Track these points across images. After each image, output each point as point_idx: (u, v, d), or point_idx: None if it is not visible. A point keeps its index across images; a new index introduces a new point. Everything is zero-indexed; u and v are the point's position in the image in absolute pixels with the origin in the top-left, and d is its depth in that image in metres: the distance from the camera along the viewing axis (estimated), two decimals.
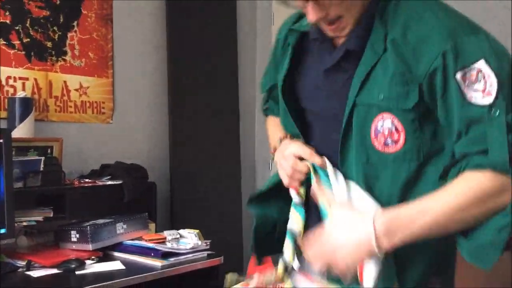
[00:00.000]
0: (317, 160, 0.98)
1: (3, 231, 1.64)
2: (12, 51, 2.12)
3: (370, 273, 0.87)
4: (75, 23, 2.34)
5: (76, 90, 2.35)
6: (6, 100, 2.07)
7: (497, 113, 0.81)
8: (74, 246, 1.79)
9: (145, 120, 2.62)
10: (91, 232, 1.78)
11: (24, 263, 1.61)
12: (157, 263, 1.76)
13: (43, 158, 1.94)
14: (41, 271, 1.58)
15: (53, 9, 2.25)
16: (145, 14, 2.64)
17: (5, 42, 2.10)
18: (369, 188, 0.92)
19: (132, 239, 1.91)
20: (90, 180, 2.14)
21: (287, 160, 1.01)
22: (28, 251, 1.78)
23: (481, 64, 0.83)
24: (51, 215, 1.91)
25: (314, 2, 0.89)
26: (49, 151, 2.03)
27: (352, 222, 0.87)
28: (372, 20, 0.92)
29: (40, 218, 1.87)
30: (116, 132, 2.50)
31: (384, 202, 0.90)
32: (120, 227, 1.89)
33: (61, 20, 2.29)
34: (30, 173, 1.88)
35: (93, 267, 1.66)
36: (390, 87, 0.88)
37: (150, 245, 1.85)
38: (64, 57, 2.30)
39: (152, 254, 1.81)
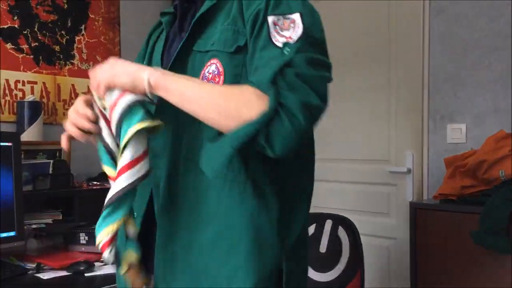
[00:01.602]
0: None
1: (13, 234, 1.65)
2: (20, 55, 2.14)
3: (125, 101, 0.87)
4: (82, 27, 2.36)
5: (84, 93, 2.36)
6: (15, 103, 2.09)
7: (287, 51, 0.84)
8: (83, 249, 1.79)
9: None
10: None
11: (34, 265, 1.62)
12: None
13: (51, 161, 1.95)
14: (50, 273, 1.59)
15: (61, 13, 2.27)
16: (152, 16, 2.64)
17: (13, 46, 2.12)
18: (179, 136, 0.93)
19: None
20: (98, 183, 2.15)
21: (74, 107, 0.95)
22: (38, 253, 1.79)
23: (296, 16, 0.87)
24: (60, 217, 1.92)
25: None
26: (57, 154, 2.04)
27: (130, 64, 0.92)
28: None
29: (49, 221, 1.89)
30: None
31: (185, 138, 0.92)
32: None
33: (69, 24, 2.31)
34: (39, 176, 1.89)
35: (102, 269, 1.66)
36: (221, 33, 0.92)
37: None
38: (72, 61, 2.32)
39: None
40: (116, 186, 0.87)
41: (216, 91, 0.84)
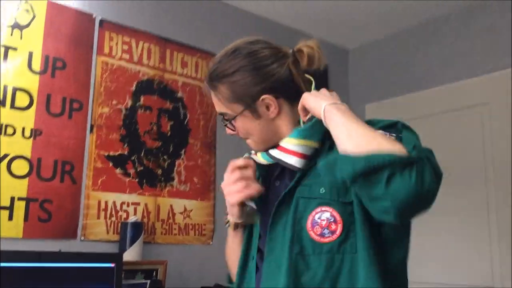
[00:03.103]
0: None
1: None
2: (127, 179, 2.34)
3: None
4: (182, 151, 2.56)
5: (181, 213, 2.49)
6: (119, 224, 2.25)
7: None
8: None
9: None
10: None
11: None
12: None
13: (148, 281, 2.03)
14: None
15: (164, 140, 2.50)
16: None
17: (122, 171, 2.33)
18: (297, 278, 0.98)
19: None
20: None
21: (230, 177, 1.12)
22: None
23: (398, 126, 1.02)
24: None
25: (213, 93, 1.14)
26: (154, 273, 2.12)
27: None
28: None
29: None
30: (216, 253, 2.57)
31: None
32: None
33: (171, 149, 2.52)
34: None
35: None
36: (332, 183, 1.00)
37: None
38: (171, 183, 2.49)
39: None
40: None
41: (373, 134, 0.93)
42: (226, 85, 1.12)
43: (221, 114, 1.17)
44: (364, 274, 0.94)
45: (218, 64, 1.13)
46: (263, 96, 1.10)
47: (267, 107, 1.11)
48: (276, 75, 1.11)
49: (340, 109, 0.98)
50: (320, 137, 1.07)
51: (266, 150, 1.15)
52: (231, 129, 1.18)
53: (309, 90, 1.11)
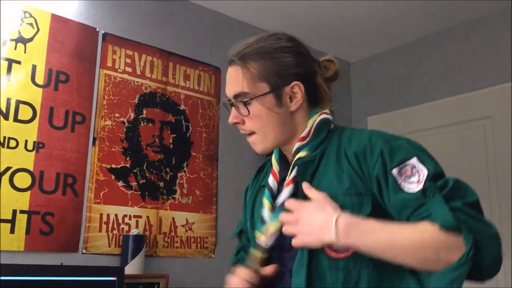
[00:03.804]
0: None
1: None
2: (129, 192, 2.34)
3: None
4: (185, 164, 2.56)
5: (183, 226, 2.49)
6: (121, 237, 2.24)
7: (432, 195, 0.91)
8: None
9: None
10: None
11: None
12: None
13: None
14: None
15: (167, 153, 2.50)
16: (247, 153, 2.82)
17: (124, 184, 2.33)
18: None
19: None
20: None
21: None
22: None
23: (414, 161, 0.96)
24: None
25: (237, 70, 1.09)
26: (156, 287, 2.11)
27: (322, 205, 0.98)
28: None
29: None
30: (218, 266, 2.56)
31: None
32: None
33: (173, 162, 2.52)
34: None
35: None
36: (345, 198, 0.99)
37: None
38: (173, 195, 2.49)
39: None
40: None
41: (409, 240, 0.90)
42: (261, 62, 1.07)
43: (237, 95, 1.08)
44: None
45: (253, 43, 1.10)
46: (296, 82, 1.08)
47: (291, 98, 1.09)
48: (310, 68, 1.11)
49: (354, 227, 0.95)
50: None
51: (269, 154, 1.14)
52: (241, 114, 1.09)
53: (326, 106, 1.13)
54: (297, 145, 1.09)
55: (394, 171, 0.95)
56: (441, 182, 0.92)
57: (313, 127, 1.09)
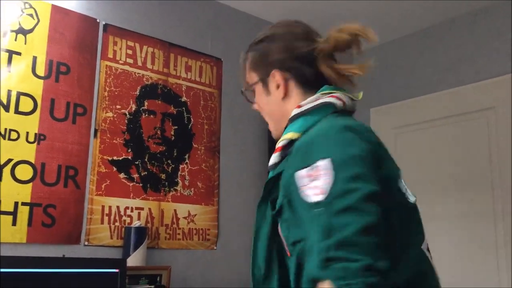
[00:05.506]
0: None
1: None
2: (131, 184, 2.33)
3: None
4: (186, 156, 2.55)
5: (185, 218, 2.48)
6: (123, 229, 2.24)
7: (319, 212, 0.77)
8: None
9: (248, 247, 2.66)
10: None
11: None
12: None
13: (152, 286, 2.02)
14: None
15: (168, 145, 2.49)
16: (249, 145, 2.81)
17: (125, 176, 2.32)
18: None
19: None
20: None
21: None
22: None
23: (320, 163, 0.81)
24: None
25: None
26: (158, 279, 2.11)
27: None
28: None
29: None
30: (220, 258, 2.56)
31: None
32: None
33: (175, 154, 2.51)
34: None
35: None
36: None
37: None
38: (175, 187, 2.48)
39: None
40: None
41: None
42: (252, 53, 1.13)
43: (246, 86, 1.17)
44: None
45: (257, 35, 1.15)
46: (274, 71, 1.07)
47: (278, 86, 1.08)
48: (296, 51, 1.06)
49: None
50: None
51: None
52: (249, 101, 1.18)
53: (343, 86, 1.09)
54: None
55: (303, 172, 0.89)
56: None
57: (297, 112, 1.01)
